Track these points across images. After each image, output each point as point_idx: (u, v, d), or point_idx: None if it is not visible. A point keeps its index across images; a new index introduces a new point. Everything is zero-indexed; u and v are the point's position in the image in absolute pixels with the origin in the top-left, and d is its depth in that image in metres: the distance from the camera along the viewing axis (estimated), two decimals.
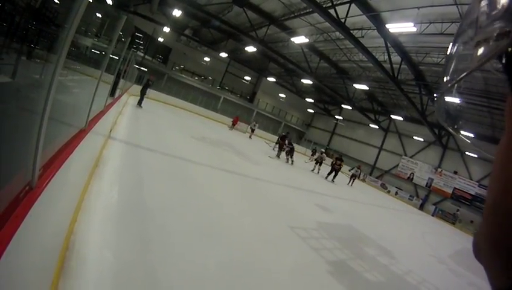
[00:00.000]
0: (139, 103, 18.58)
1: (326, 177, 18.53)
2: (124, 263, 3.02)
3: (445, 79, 0.48)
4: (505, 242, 0.31)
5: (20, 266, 1.63)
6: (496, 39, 0.34)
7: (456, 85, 0.47)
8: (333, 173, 18.79)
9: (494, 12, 0.36)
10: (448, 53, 0.49)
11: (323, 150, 21.14)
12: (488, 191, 0.35)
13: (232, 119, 30.07)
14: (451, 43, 0.48)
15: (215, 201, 6.14)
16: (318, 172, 19.46)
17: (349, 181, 21.32)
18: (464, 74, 0.42)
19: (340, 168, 19.00)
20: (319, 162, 19.84)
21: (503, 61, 0.33)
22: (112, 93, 7.46)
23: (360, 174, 20.67)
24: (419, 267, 7.38)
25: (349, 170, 22.46)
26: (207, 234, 4.39)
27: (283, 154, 18.99)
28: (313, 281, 4.40)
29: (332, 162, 19.41)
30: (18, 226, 1.47)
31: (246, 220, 5.82)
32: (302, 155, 31.51)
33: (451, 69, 0.46)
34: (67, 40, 2.25)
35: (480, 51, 0.37)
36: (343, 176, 21.22)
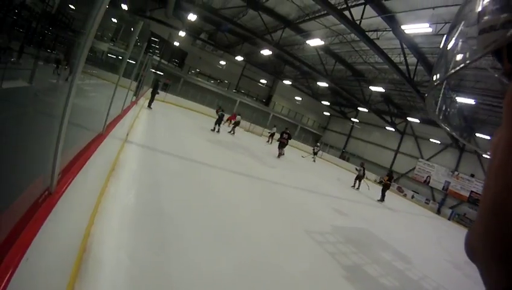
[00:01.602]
0: (149, 105, 18.82)
1: (381, 200, 17.17)
2: (140, 266, 3.07)
3: (435, 77, 0.48)
4: (505, 242, 0.28)
5: (39, 269, 1.68)
6: (503, 27, 0.33)
7: (446, 82, 0.48)
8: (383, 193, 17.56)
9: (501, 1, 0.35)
10: (441, 46, 0.48)
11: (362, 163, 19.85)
12: (485, 189, 0.33)
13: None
14: (444, 37, 0.48)
15: (231, 204, 6.19)
16: (358, 188, 18.72)
17: (354, 183, 19.28)
18: (468, 62, 0.39)
19: (389, 186, 17.95)
20: (360, 177, 18.92)
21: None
22: (136, 94, 7.57)
23: (363, 173, 19.13)
24: (435, 273, 7.29)
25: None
26: (223, 238, 4.42)
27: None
28: (328, 286, 4.39)
29: (382, 180, 18.94)
30: (37, 231, 1.52)
31: (260, 222, 5.85)
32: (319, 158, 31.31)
33: (446, 64, 0.45)
34: (86, 46, 2.31)
35: (483, 39, 0.36)
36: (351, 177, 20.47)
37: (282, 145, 18.58)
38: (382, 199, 17.18)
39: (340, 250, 5.98)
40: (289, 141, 18.92)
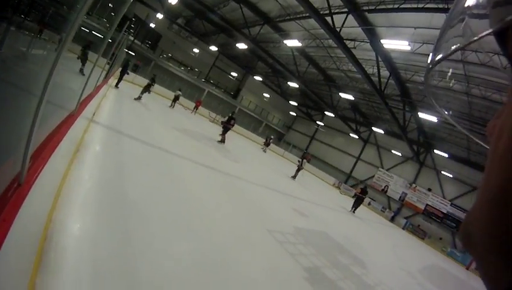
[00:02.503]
0: (117, 84, 18.22)
1: (351, 210, 17.72)
2: (103, 254, 2.91)
3: (437, 56, 0.42)
4: (510, 235, 0.25)
5: (3, 265, 1.50)
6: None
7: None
8: (355, 205, 18.00)
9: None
10: (445, 22, 0.42)
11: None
12: (487, 175, 0.29)
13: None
14: (447, 15, 0.43)
15: (195, 196, 6.06)
16: (294, 177, 18.90)
17: (295, 174, 19.19)
18: (476, 38, 0.34)
19: (363, 199, 18.34)
20: (300, 168, 19.11)
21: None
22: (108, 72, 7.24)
23: (303, 164, 19.20)
24: (390, 280, 7.56)
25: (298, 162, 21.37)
26: (186, 229, 4.32)
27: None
28: (288, 285, 4.39)
29: (356, 193, 19.09)
30: (7, 231, 1.34)
31: (221, 216, 5.76)
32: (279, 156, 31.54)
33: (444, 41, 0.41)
34: (76, 22, 2.12)
35: (496, 15, 0.30)
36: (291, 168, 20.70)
37: (226, 130, 16.71)
38: (353, 210, 17.82)
39: (301, 251, 6.00)
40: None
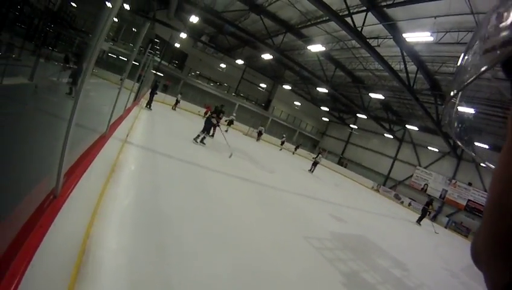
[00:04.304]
0: (148, 105, 18.80)
1: (418, 221, 18.93)
2: (139, 268, 3.04)
3: (452, 93, 0.51)
4: (505, 241, 0.30)
5: (43, 274, 1.65)
6: (501, 47, 0.37)
7: (461, 94, 0.52)
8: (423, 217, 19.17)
9: (502, 24, 0.39)
10: (458, 64, 0.51)
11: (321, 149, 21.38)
12: (489, 193, 0.35)
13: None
14: (461, 55, 0.52)
15: (230, 209, 6.16)
16: (312, 171, 21.20)
17: (311, 168, 21.84)
18: (470, 79, 0.45)
19: (428, 211, 19.38)
20: (317, 162, 21.69)
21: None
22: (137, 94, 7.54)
23: (320, 159, 22.33)
24: (432, 281, 7.30)
25: (313, 158, 23.42)
26: (222, 241, 4.40)
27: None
28: None
29: (424, 205, 19.91)
30: (43, 237, 1.49)
31: (259, 227, 5.83)
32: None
33: (459, 80, 0.49)
34: (96, 47, 2.30)
35: (486, 58, 0.40)
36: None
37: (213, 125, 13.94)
38: (419, 222, 18.91)
39: (339, 256, 5.96)
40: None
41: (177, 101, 26.61)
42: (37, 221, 1.53)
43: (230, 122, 27.78)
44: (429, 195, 19.59)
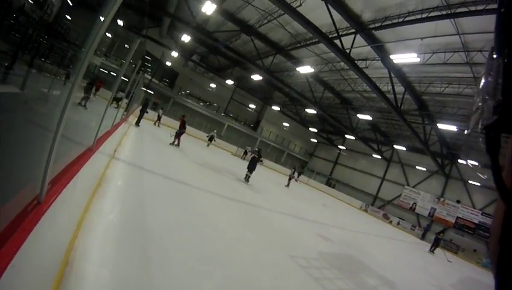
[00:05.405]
0: (137, 122, 18.71)
1: (431, 250, 19.44)
2: (122, 283, 3.00)
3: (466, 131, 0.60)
4: (493, 260, 0.41)
5: (24, 277, 1.63)
6: (475, 112, 0.44)
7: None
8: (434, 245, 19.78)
9: (477, 90, 0.45)
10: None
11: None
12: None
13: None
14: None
15: (216, 227, 6.11)
16: (288, 185, 22.01)
17: (287, 184, 22.37)
18: (469, 130, 0.52)
19: (441, 240, 20.31)
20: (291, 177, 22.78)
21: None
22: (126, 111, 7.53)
23: (294, 174, 23.60)
24: None
25: (289, 174, 23.83)
26: (207, 258, 4.35)
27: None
28: None
29: (436, 234, 20.62)
30: (25, 239, 1.48)
31: (244, 246, 5.78)
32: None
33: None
34: (85, 61, 2.32)
35: (472, 119, 0.47)
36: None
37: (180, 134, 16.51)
38: (432, 251, 19.47)
39: (326, 275, 5.92)
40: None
41: (159, 117, 25.53)
42: (20, 224, 1.52)
43: (211, 138, 28.06)
44: (443, 229, 20.44)
